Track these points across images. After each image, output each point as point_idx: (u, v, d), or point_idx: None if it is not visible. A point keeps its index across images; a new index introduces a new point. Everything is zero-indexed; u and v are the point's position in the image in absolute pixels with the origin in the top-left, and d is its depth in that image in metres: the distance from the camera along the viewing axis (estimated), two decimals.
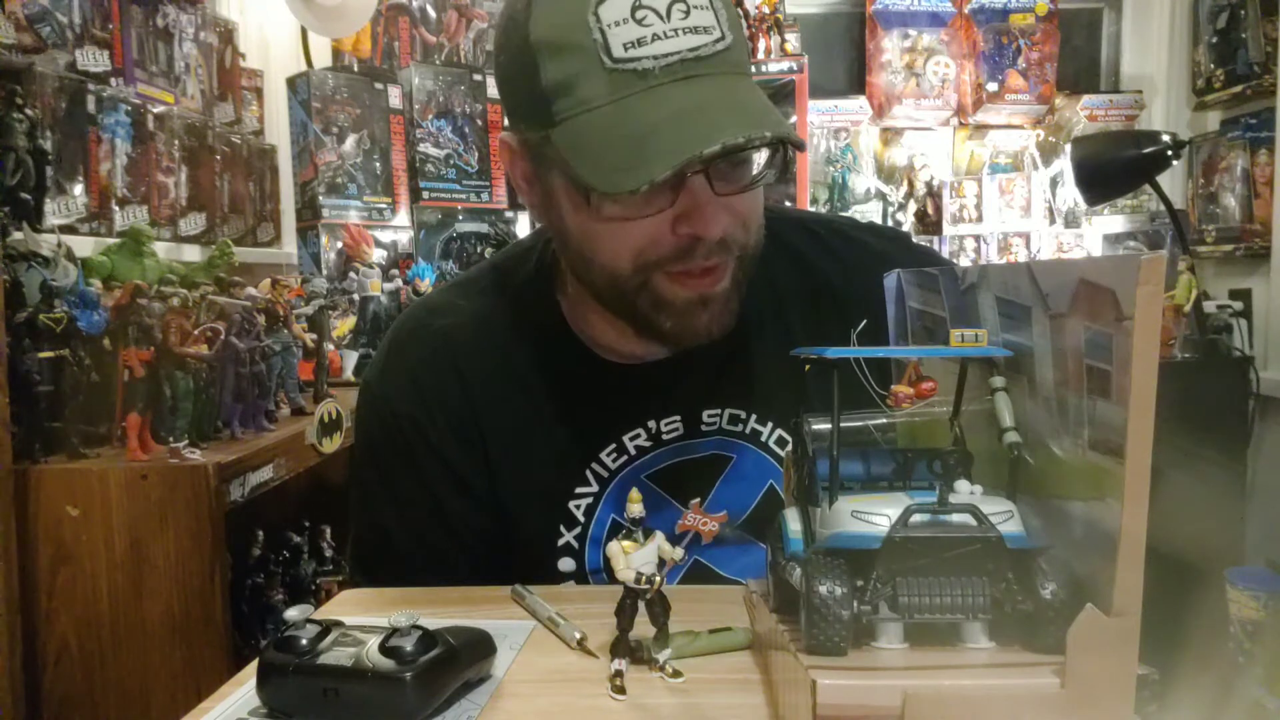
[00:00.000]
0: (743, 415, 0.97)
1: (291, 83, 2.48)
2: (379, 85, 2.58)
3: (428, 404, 0.97)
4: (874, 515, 0.53)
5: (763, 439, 0.97)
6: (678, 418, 0.96)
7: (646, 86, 0.76)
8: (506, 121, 0.90)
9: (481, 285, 1.03)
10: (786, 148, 0.81)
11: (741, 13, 2.85)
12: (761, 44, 2.84)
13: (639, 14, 0.75)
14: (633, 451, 0.96)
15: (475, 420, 0.96)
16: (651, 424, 0.96)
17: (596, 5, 0.76)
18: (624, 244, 0.83)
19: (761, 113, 0.78)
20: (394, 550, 1.00)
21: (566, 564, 0.97)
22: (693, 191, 0.79)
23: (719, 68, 0.77)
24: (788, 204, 2.79)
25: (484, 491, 0.97)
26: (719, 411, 0.97)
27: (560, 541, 0.96)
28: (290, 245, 2.55)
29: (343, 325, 2.25)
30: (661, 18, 0.75)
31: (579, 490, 0.96)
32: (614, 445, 0.96)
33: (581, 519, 0.96)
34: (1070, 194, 3.01)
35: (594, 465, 0.96)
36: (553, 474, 0.96)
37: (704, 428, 0.97)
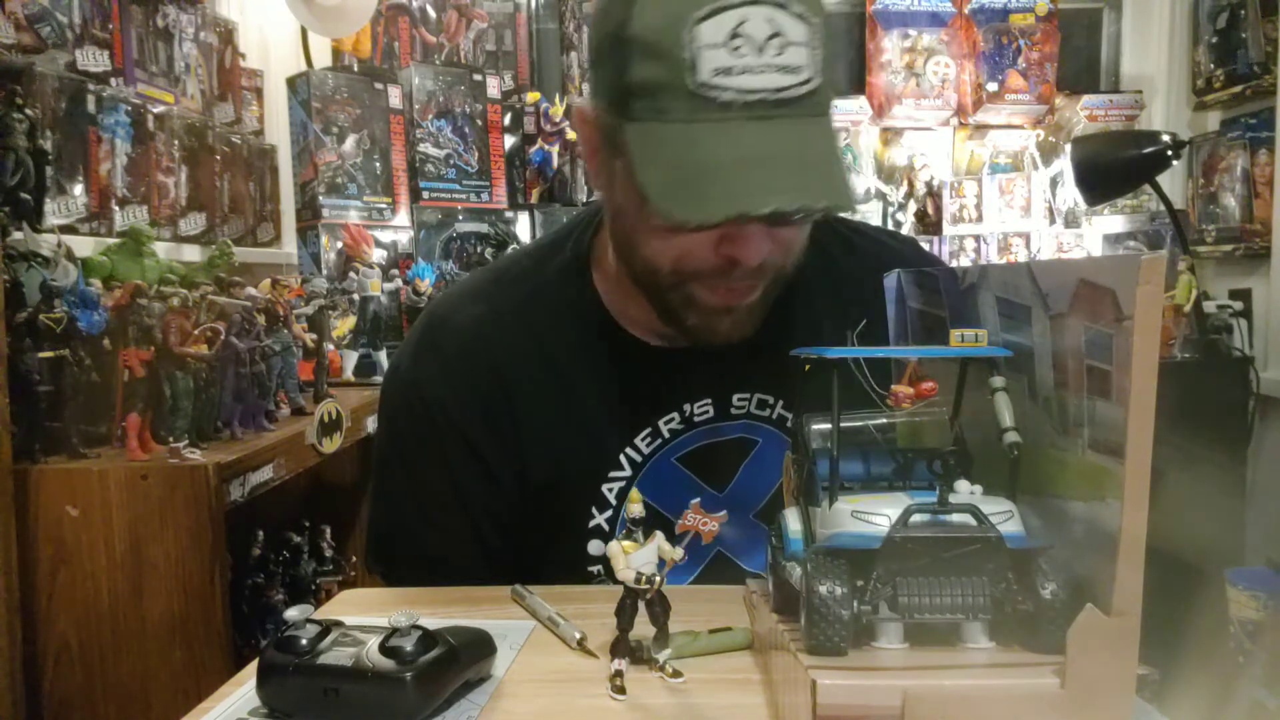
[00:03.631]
0: (770, 400, 0.99)
1: (291, 83, 2.48)
2: (379, 85, 2.58)
3: (459, 391, 0.98)
4: (874, 515, 0.53)
5: (788, 424, 0.99)
6: (709, 400, 0.98)
7: (723, 117, 0.76)
8: (588, 89, 0.92)
9: (515, 273, 1.04)
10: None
11: None
12: None
13: (735, 41, 0.75)
14: (666, 435, 0.98)
15: (508, 406, 0.97)
16: (686, 407, 0.98)
17: (696, 22, 0.75)
18: (667, 250, 0.86)
19: (823, 174, 0.79)
20: (413, 538, 1.01)
21: (595, 546, 0.98)
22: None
23: (798, 111, 0.77)
24: None
25: (511, 480, 0.98)
26: (748, 396, 0.99)
27: (591, 524, 0.98)
28: (290, 245, 2.55)
29: (343, 325, 2.24)
30: (756, 50, 0.75)
31: (613, 474, 0.98)
32: (649, 429, 0.98)
33: (614, 501, 0.98)
34: (1070, 194, 3.00)
35: (628, 450, 0.98)
36: (587, 457, 0.97)
37: (733, 411, 0.99)
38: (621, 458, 0.97)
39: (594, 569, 0.98)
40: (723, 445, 0.99)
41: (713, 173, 0.76)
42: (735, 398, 0.99)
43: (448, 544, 0.99)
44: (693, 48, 0.75)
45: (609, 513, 0.98)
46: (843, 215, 1.18)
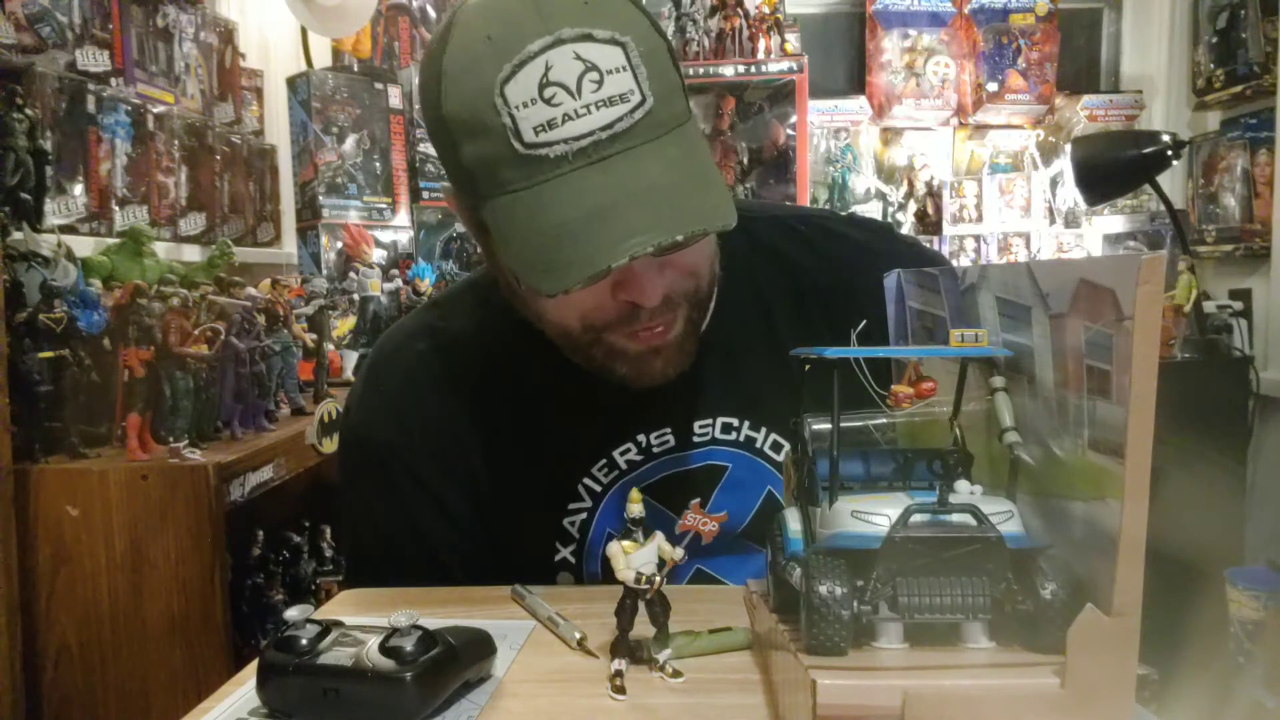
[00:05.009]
0: (735, 423, 0.95)
1: (291, 83, 2.48)
2: (379, 85, 2.58)
3: (408, 430, 0.95)
4: (874, 515, 0.53)
5: (757, 445, 0.96)
6: (668, 430, 0.94)
7: (559, 173, 0.72)
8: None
9: (460, 305, 1.01)
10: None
11: (742, 12, 2.85)
12: (761, 44, 2.84)
13: (548, 92, 0.71)
14: (624, 466, 0.94)
15: (459, 443, 0.95)
16: (641, 438, 0.94)
17: (503, 85, 0.72)
18: (569, 311, 0.83)
19: (678, 198, 0.74)
20: (378, 576, 0.98)
21: (564, 579, 0.96)
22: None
23: (637, 138, 0.73)
24: (787, 202, 2.79)
25: (470, 518, 0.95)
26: (710, 421, 0.95)
27: (556, 558, 0.96)
28: (290, 245, 2.55)
29: (343, 325, 2.25)
30: (572, 94, 0.71)
31: (572, 506, 0.95)
32: (604, 461, 0.94)
33: (576, 535, 0.95)
34: (1070, 194, 3.01)
35: (586, 481, 0.94)
36: (544, 492, 0.95)
37: (696, 439, 0.95)
38: (580, 489, 0.94)
39: None
40: (690, 474, 0.95)
41: (563, 235, 0.72)
42: (697, 425, 0.94)
43: (412, 582, 0.95)
44: (508, 112, 0.71)
45: (573, 546, 0.95)
46: (803, 211, 1.13)
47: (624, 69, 0.73)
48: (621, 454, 0.94)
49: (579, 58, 0.72)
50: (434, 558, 0.96)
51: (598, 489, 0.94)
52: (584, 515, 0.95)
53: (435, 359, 0.97)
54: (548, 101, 0.71)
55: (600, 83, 0.72)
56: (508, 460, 0.95)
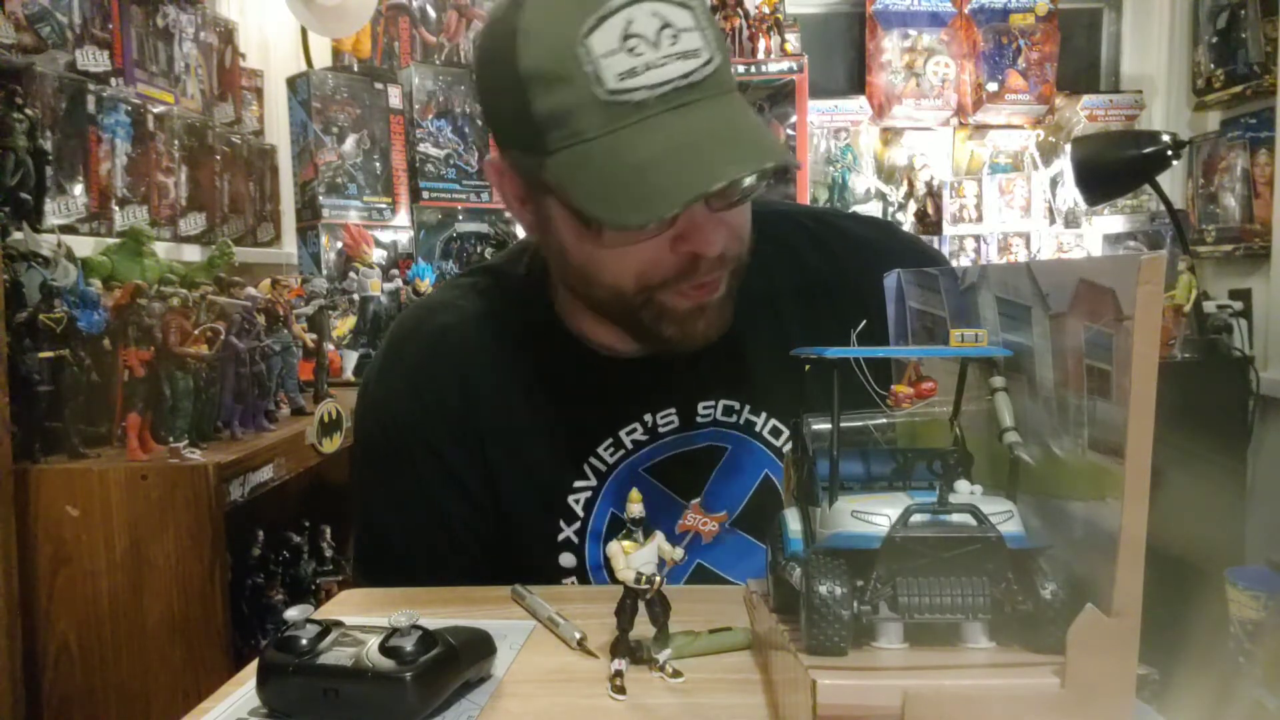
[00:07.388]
0: (736, 406, 0.98)
1: (291, 83, 2.48)
2: (379, 85, 2.58)
3: (426, 406, 0.98)
4: (874, 515, 0.53)
5: (757, 429, 0.98)
6: (673, 410, 0.97)
7: (641, 117, 0.76)
8: (495, 142, 0.90)
9: (478, 285, 1.04)
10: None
11: (742, 12, 2.85)
12: (761, 44, 2.84)
13: (629, 42, 0.75)
14: (629, 445, 0.97)
15: (474, 420, 0.97)
16: (648, 418, 0.97)
17: (585, 35, 0.75)
18: (627, 267, 0.85)
19: (757, 139, 0.80)
20: (394, 554, 1.01)
21: (567, 559, 0.98)
22: (690, 211, 0.81)
23: (709, 91, 0.78)
24: (787, 201, 2.79)
25: (482, 492, 0.98)
26: (713, 403, 0.98)
27: (560, 536, 0.97)
28: (290, 245, 2.55)
29: (343, 325, 2.25)
30: (652, 45, 0.76)
31: (577, 484, 0.97)
32: (611, 440, 0.96)
33: (581, 513, 0.97)
34: (1070, 194, 3.01)
35: (591, 459, 0.97)
36: (551, 469, 0.97)
37: (699, 420, 0.97)
38: (585, 467, 0.96)
39: (568, 581, 0.98)
40: (691, 454, 0.98)
41: (651, 168, 0.76)
42: (700, 406, 0.97)
43: (431, 562, 0.98)
44: (591, 61, 0.75)
45: (577, 524, 0.97)
46: (811, 209, 1.16)
47: (694, 29, 0.77)
48: (628, 434, 0.97)
49: (656, 14, 0.76)
50: (451, 534, 0.98)
51: (603, 468, 0.97)
52: (589, 494, 0.97)
53: (454, 336, 1.00)
54: (630, 51, 0.75)
55: (676, 38, 0.76)
56: (517, 438, 0.97)
